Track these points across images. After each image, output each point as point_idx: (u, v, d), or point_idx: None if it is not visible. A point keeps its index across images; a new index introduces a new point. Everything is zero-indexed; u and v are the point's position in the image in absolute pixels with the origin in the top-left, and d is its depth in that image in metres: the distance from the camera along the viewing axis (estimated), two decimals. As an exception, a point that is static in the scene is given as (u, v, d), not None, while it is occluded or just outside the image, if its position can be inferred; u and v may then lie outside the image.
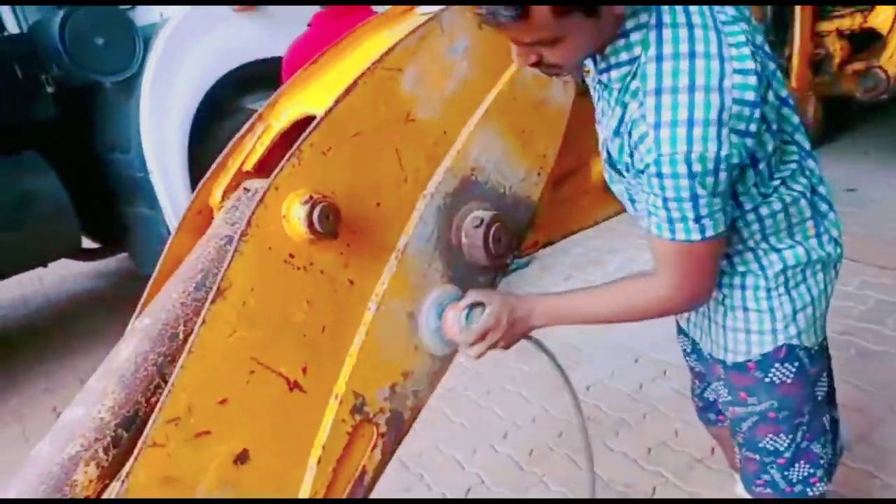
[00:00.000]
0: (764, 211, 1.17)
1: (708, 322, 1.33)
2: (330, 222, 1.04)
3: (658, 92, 1.01)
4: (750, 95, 0.99)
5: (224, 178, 1.17)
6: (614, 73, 1.07)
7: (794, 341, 1.24)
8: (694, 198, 1.03)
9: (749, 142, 1.02)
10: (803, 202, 1.20)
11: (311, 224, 1.03)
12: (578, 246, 4.01)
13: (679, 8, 1.03)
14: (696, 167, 1.01)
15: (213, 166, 1.18)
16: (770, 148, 1.09)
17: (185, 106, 3.42)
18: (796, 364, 1.26)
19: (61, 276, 4.87)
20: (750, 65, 1.00)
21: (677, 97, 0.99)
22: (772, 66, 1.11)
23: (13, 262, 3.50)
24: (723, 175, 1.02)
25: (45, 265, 3.83)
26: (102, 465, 0.92)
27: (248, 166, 1.17)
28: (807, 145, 1.20)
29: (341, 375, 1.13)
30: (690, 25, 1.01)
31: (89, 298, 4.65)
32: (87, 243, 4.03)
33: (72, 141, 3.62)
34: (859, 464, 2.06)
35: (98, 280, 4.84)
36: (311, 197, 1.03)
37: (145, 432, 0.92)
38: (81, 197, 3.54)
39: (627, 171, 1.12)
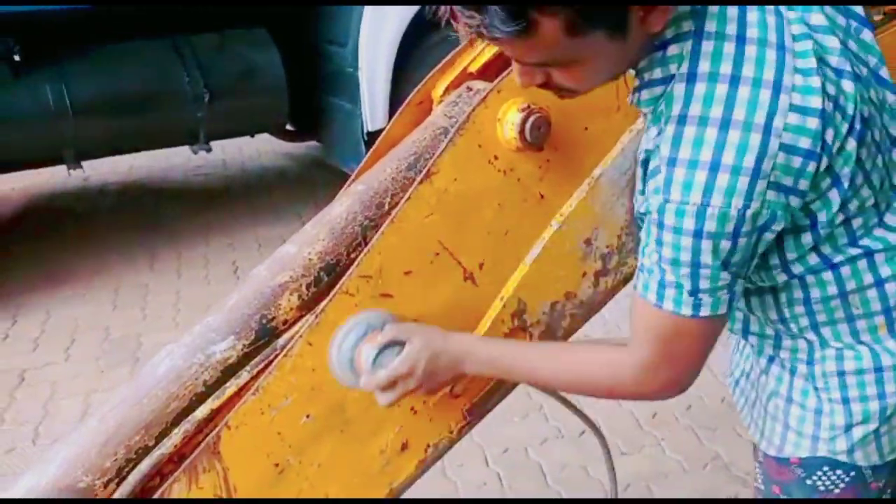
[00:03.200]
0: (815, 293, 0.91)
1: (754, 393, 1.09)
2: (540, 134, 1.09)
3: (681, 120, 0.80)
4: (805, 143, 0.78)
5: (449, 75, 1.25)
6: (645, 94, 0.86)
7: (843, 458, 0.97)
8: (695, 265, 0.82)
9: (794, 201, 0.81)
10: (872, 292, 0.91)
11: (522, 132, 1.08)
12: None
13: (733, 11, 0.80)
14: (709, 226, 0.79)
15: (442, 63, 1.26)
16: (839, 206, 0.85)
17: (403, 14, 3.56)
18: (852, 474, 0.98)
19: (258, 150, 5.35)
20: (815, 102, 0.78)
21: (704, 131, 0.78)
22: (883, 96, 0.90)
23: (231, 126, 3.91)
24: (743, 241, 0.80)
25: (252, 135, 4.24)
26: (303, 298, 1.07)
27: (473, 68, 1.24)
28: None
29: (511, 280, 1.19)
30: (742, 39, 0.79)
31: (277, 175, 5.09)
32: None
33: (297, 26, 3.91)
34: None
35: (288, 161, 5.26)
36: (528, 106, 1.09)
37: (342, 280, 1.05)
38: (294, 80, 3.84)
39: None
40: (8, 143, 3.28)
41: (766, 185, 0.78)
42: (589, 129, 1.19)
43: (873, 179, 0.87)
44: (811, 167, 0.79)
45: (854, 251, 0.89)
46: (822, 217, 0.85)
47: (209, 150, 3.83)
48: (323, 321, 1.04)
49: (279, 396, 1.03)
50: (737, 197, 0.78)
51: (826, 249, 0.89)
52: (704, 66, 0.79)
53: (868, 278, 0.90)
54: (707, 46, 0.79)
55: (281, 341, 1.05)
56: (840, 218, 0.87)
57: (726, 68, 0.78)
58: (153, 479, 1.00)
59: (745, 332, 1.05)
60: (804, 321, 0.94)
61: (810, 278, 0.91)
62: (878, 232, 0.90)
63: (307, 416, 1.06)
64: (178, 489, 1.00)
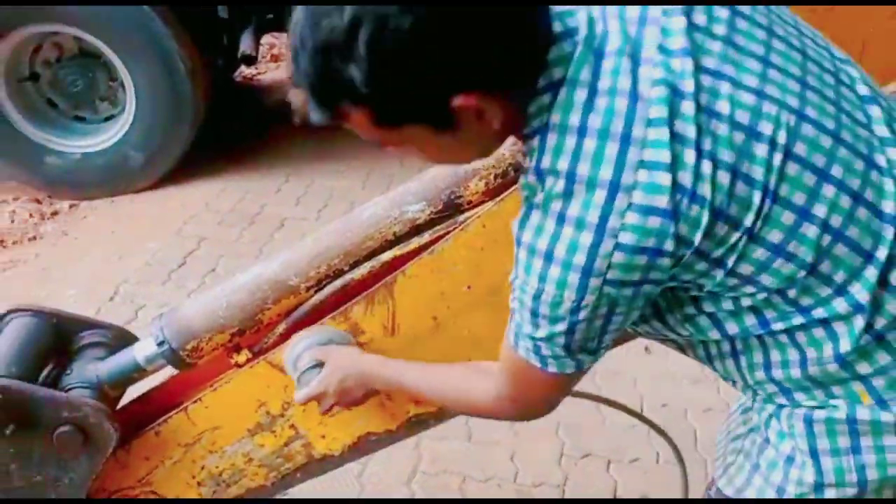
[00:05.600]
0: (775, 355, 0.84)
1: (741, 428, 1.02)
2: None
3: (527, 203, 0.80)
4: (649, 242, 0.74)
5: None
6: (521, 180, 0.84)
7: None
8: (533, 336, 0.84)
9: (648, 287, 0.78)
10: (833, 366, 0.82)
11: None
12: None
13: (580, 97, 0.75)
14: (544, 309, 0.80)
15: None
16: (735, 283, 0.79)
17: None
18: None
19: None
20: (661, 201, 0.72)
21: (545, 219, 0.77)
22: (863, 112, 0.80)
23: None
24: (582, 324, 0.80)
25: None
26: (489, 185, 1.21)
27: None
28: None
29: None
30: (583, 132, 0.74)
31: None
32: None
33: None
34: None
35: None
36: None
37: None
38: None
39: None
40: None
41: (602, 282, 0.76)
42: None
43: (800, 256, 0.78)
44: (663, 261, 0.76)
45: (798, 320, 0.82)
46: (709, 286, 0.81)
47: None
48: (501, 209, 1.17)
49: (449, 262, 1.20)
50: (568, 290, 0.77)
51: (770, 313, 0.83)
52: (546, 161, 0.78)
53: (828, 349, 0.82)
54: (551, 140, 0.78)
55: (461, 217, 1.21)
56: (748, 289, 0.80)
57: (563, 164, 0.76)
58: (340, 296, 1.24)
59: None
60: (771, 387, 0.89)
61: (768, 340, 0.85)
62: (837, 301, 0.80)
63: (468, 287, 1.22)
64: (357, 310, 1.23)
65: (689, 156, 0.74)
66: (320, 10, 0.72)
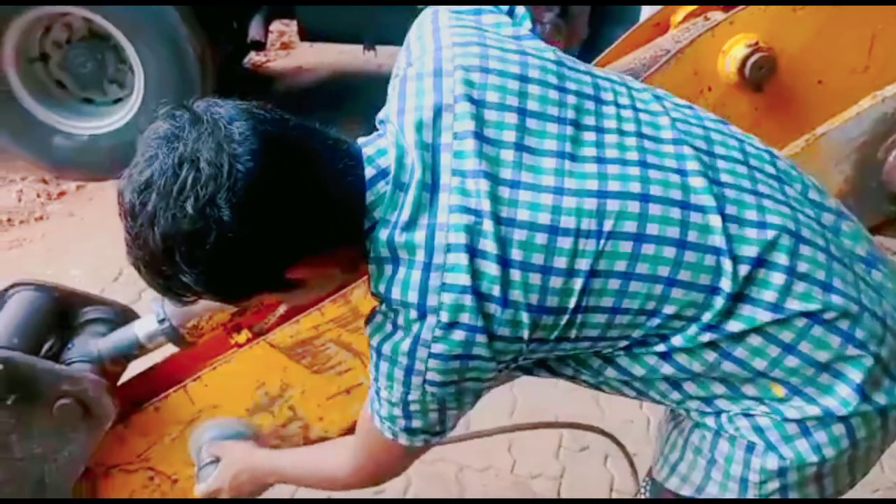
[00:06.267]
0: (667, 369, 0.89)
1: (671, 425, 1.03)
2: (760, 74, 1.09)
3: (373, 309, 0.90)
4: (458, 351, 0.82)
5: (692, 5, 1.27)
6: None
7: (777, 495, 0.92)
8: (377, 413, 0.94)
9: (470, 385, 0.87)
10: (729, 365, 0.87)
11: (742, 68, 1.09)
12: None
13: (383, 235, 0.84)
14: (384, 394, 0.90)
15: (692, -10, 1.28)
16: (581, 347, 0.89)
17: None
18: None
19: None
20: (463, 318, 0.81)
21: (376, 321, 0.88)
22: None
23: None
24: (417, 416, 0.90)
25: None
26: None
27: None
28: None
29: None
30: (394, 262, 0.84)
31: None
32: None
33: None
34: None
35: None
36: (756, 43, 1.08)
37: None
38: None
39: None
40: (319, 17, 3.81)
41: (423, 381, 0.85)
42: (824, 83, 1.14)
43: (634, 307, 0.84)
44: (480, 364, 0.84)
45: (661, 348, 0.88)
46: (566, 352, 0.89)
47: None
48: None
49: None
50: (396, 383, 0.87)
51: (623, 361, 0.90)
52: (373, 286, 0.88)
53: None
54: (375, 269, 0.86)
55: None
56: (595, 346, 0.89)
57: (382, 288, 0.86)
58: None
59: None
60: (692, 403, 0.93)
61: (663, 365, 0.89)
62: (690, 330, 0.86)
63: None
64: (357, 294, 1.22)
65: (494, 269, 0.81)
66: (135, 232, 0.79)
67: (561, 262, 0.81)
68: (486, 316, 0.81)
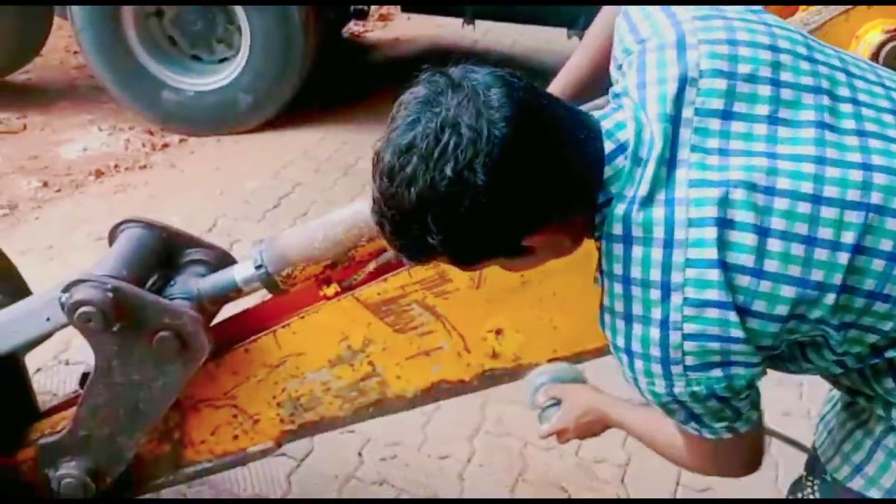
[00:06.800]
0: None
1: (842, 416, 1.00)
2: None
3: (602, 308, 0.88)
4: (714, 330, 0.79)
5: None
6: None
7: None
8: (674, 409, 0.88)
9: (738, 370, 0.82)
10: None
11: (876, 54, 1.04)
12: None
13: (620, 210, 0.82)
14: (649, 397, 0.87)
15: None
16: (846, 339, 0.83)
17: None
18: None
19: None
20: (710, 294, 0.78)
21: (615, 322, 0.85)
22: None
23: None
24: (694, 406, 0.85)
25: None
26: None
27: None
28: None
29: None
30: (628, 240, 0.81)
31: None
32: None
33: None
34: None
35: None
36: (894, 29, 1.02)
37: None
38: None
39: None
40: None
41: (683, 369, 0.81)
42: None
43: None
44: (739, 347, 0.80)
45: None
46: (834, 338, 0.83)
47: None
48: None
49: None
50: (657, 378, 0.84)
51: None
52: (606, 265, 0.86)
53: None
54: (608, 247, 0.85)
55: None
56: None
57: (618, 269, 0.84)
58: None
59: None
60: None
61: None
62: None
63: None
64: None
65: (749, 239, 0.78)
66: (390, 192, 0.80)
67: (826, 234, 0.78)
68: (737, 289, 0.79)
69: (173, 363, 1.31)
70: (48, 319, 1.34)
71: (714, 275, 0.78)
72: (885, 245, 0.78)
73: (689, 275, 0.79)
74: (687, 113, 0.81)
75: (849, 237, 0.77)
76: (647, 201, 0.81)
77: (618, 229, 0.83)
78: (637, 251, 0.82)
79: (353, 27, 5.33)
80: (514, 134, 0.77)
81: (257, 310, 1.45)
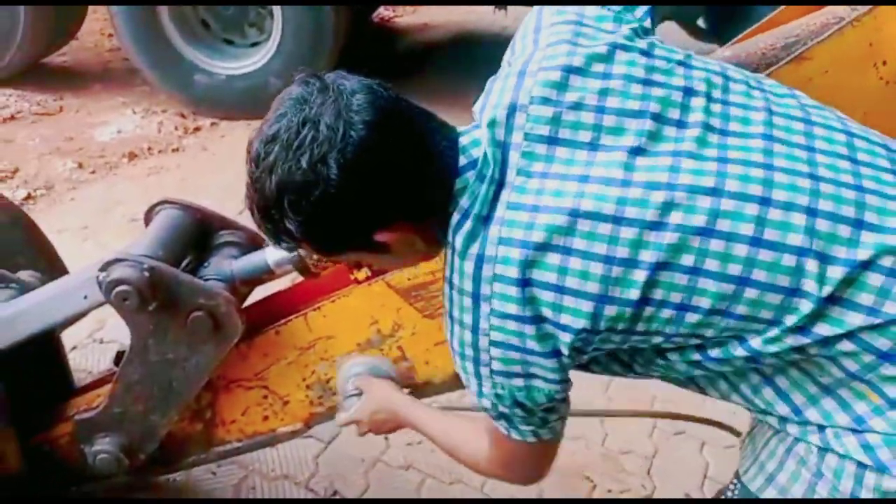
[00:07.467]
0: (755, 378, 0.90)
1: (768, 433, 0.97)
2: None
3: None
4: (514, 341, 0.86)
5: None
6: None
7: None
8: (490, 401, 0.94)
9: (537, 383, 0.89)
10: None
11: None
12: None
13: (456, 221, 0.88)
14: (469, 390, 0.95)
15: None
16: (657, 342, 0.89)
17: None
18: None
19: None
20: (510, 308, 0.85)
21: (446, 321, 0.93)
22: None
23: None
24: (504, 405, 0.92)
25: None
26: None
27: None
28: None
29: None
30: (454, 251, 0.89)
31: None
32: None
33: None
34: None
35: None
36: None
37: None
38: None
39: None
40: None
41: (490, 372, 0.89)
42: None
43: (703, 306, 0.83)
44: (539, 360, 0.87)
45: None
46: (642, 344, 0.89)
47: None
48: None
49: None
50: (470, 375, 0.92)
51: (714, 352, 0.88)
52: (445, 272, 0.93)
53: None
54: (447, 255, 0.92)
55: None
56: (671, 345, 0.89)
57: (448, 274, 0.92)
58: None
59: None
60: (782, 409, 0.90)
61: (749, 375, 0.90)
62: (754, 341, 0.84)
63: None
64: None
65: (552, 259, 0.83)
66: (256, 177, 0.87)
67: (623, 252, 0.82)
68: (542, 304, 0.84)
69: (207, 343, 1.33)
70: (85, 297, 1.36)
71: (514, 291, 0.85)
72: (687, 260, 0.82)
73: (496, 289, 0.86)
74: (517, 138, 0.88)
75: (647, 255, 0.82)
76: (477, 218, 0.87)
77: (452, 239, 0.90)
78: (457, 261, 0.89)
79: (383, 11, 5.32)
80: (368, 136, 0.84)
81: (289, 292, 1.46)
